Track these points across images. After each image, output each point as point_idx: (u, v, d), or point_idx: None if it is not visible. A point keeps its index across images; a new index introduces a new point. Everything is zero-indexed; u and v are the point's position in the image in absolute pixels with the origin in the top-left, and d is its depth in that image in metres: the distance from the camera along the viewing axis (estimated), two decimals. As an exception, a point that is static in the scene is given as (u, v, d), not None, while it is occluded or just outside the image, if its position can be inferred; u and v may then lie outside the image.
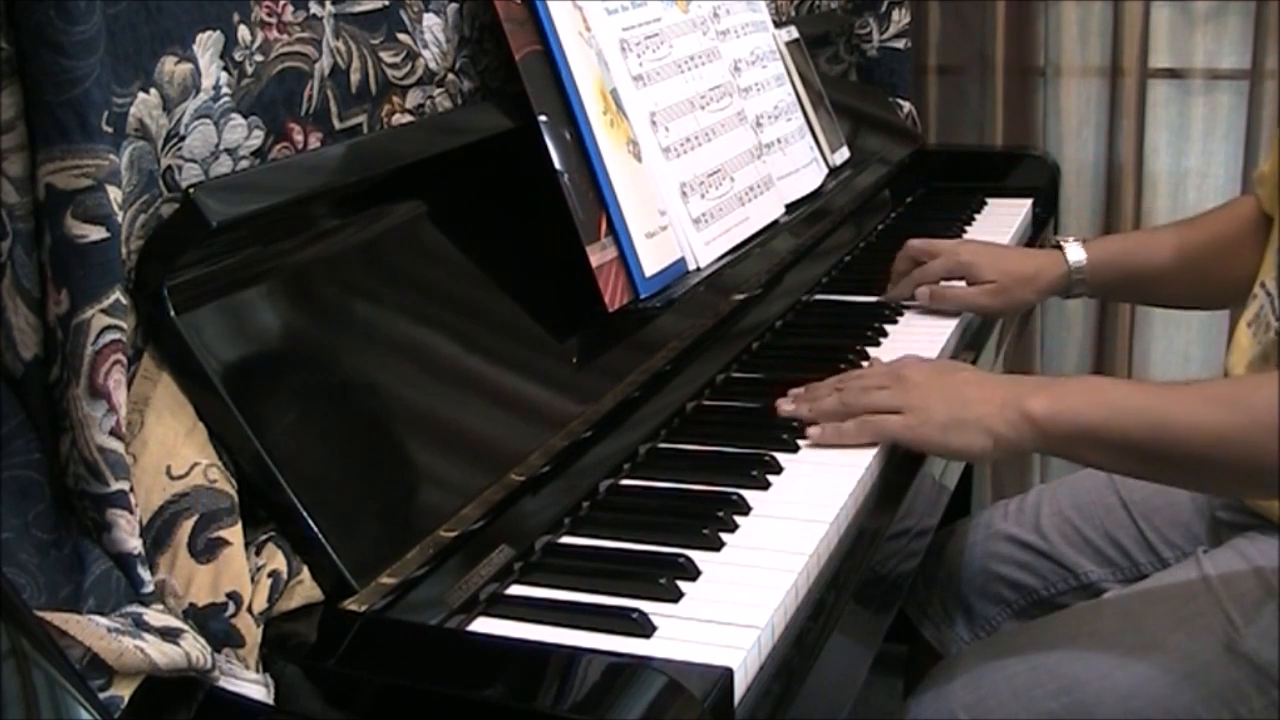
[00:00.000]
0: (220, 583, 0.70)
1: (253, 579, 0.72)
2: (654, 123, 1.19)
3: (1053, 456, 1.05)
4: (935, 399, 1.04)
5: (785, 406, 1.09)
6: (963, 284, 1.40)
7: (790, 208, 1.43)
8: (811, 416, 1.08)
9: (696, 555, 0.86)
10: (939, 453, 1.07)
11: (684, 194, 1.21)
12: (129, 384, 0.72)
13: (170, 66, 0.78)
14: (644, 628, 0.77)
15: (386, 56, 0.99)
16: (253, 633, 0.71)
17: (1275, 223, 1.23)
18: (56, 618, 0.62)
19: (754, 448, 1.02)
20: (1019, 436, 1.02)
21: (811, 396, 1.09)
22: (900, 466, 1.05)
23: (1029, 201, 1.85)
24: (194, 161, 0.80)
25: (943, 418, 1.03)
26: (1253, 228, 1.32)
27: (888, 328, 1.33)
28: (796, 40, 1.63)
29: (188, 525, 0.71)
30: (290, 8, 0.89)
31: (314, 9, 0.91)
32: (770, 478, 0.98)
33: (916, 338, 1.31)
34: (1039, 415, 1.01)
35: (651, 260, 1.11)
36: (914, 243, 1.45)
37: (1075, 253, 1.43)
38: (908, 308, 1.40)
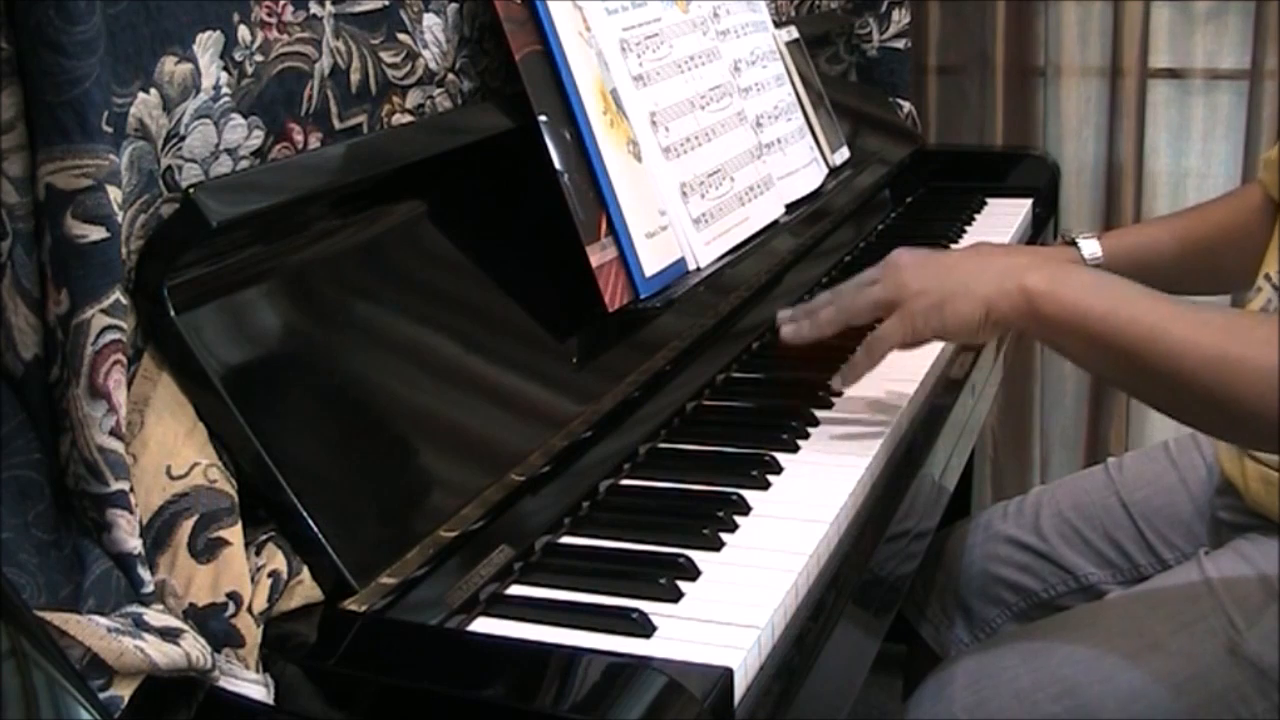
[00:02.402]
0: (220, 583, 0.70)
1: (253, 579, 0.72)
2: (654, 123, 1.19)
3: (1040, 340, 1.02)
4: (929, 278, 1.02)
5: (786, 330, 1.09)
6: None
7: (790, 208, 1.43)
8: (814, 334, 1.07)
9: (696, 555, 0.86)
10: (940, 335, 1.05)
11: (684, 194, 1.21)
12: (129, 384, 0.72)
13: (170, 66, 0.78)
14: (644, 628, 0.77)
15: (386, 56, 0.99)
16: (253, 633, 0.71)
17: None
18: (56, 618, 0.62)
19: (754, 448, 1.02)
20: (1012, 308, 0.99)
21: (809, 311, 1.08)
22: (900, 467, 1.05)
23: (1029, 201, 1.85)
24: (194, 161, 0.80)
25: (937, 295, 1.01)
26: (1260, 214, 1.32)
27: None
28: (796, 40, 1.63)
29: (188, 525, 0.71)
30: (290, 8, 0.89)
31: (314, 9, 0.91)
32: (770, 478, 0.98)
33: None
34: (1036, 290, 0.98)
35: (651, 260, 1.11)
36: None
37: (1091, 248, 1.42)
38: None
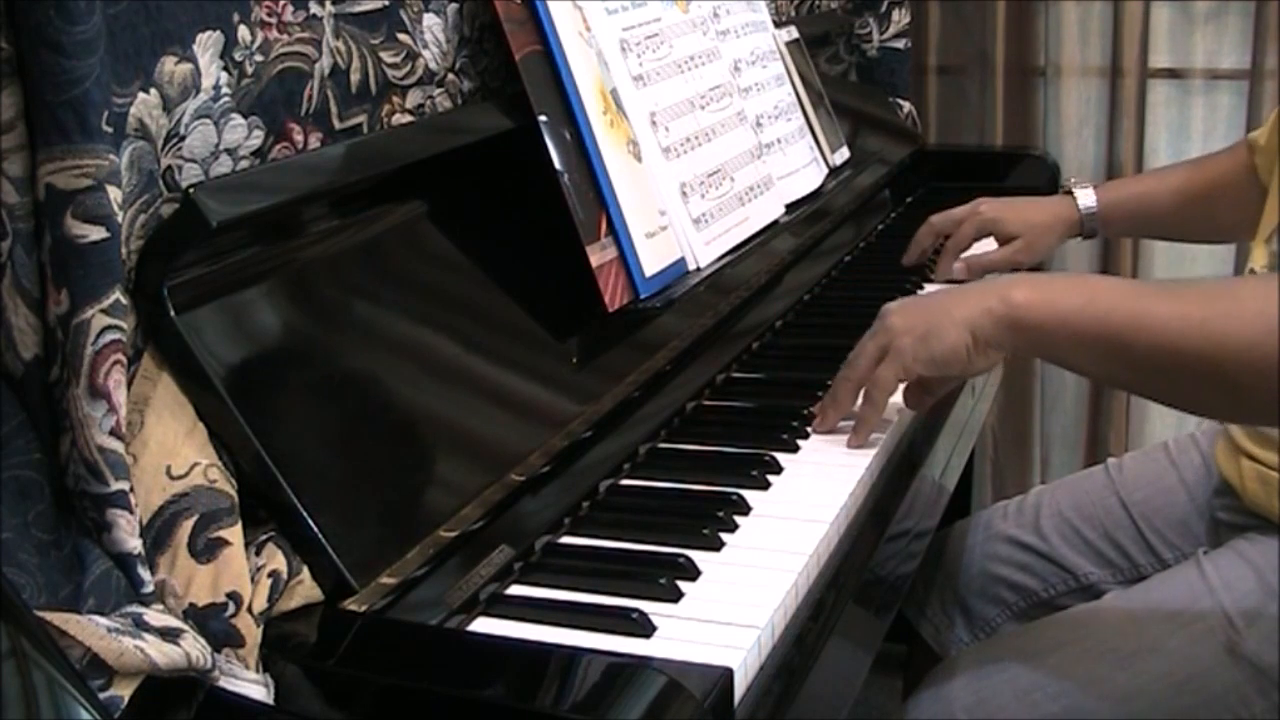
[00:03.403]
0: (220, 583, 0.70)
1: (253, 579, 0.72)
2: (654, 123, 1.19)
3: (1031, 353, 1.02)
4: (913, 318, 1.03)
5: (816, 424, 1.08)
6: (991, 244, 1.49)
7: (790, 208, 1.43)
8: (838, 412, 1.07)
9: (696, 555, 0.86)
10: (927, 366, 1.03)
11: (684, 194, 1.21)
12: (129, 384, 0.72)
13: (170, 66, 0.78)
14: (644, 628, 0.77)
15: (386, 56, 0.99)
16: (253, 633, 0.71)
17: (1266, 202, 1.23)
18: (56, 618, 0.62)
19: (754, 448, 1.02)
20: (995, 324, 0.99)
21: (830, 395, 1.08)
22: (900, 467, 1.05)
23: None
24: (194, 161, 0.80)
25: (921, 329, 1.02)
26: (1249, 173, 1.36)
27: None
28: (796, 40, 1.63)
29: (188, 525, 0.71)
30: (290, 8, 0.89)
31: (314, 9, 0.91)
32: (770, 478, 0.98)
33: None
34: (1016, 301, 0.98)
35: (651, 260, 1.11)
36: (936, 218, 1.50)
37: (1086, 198, 1.50)
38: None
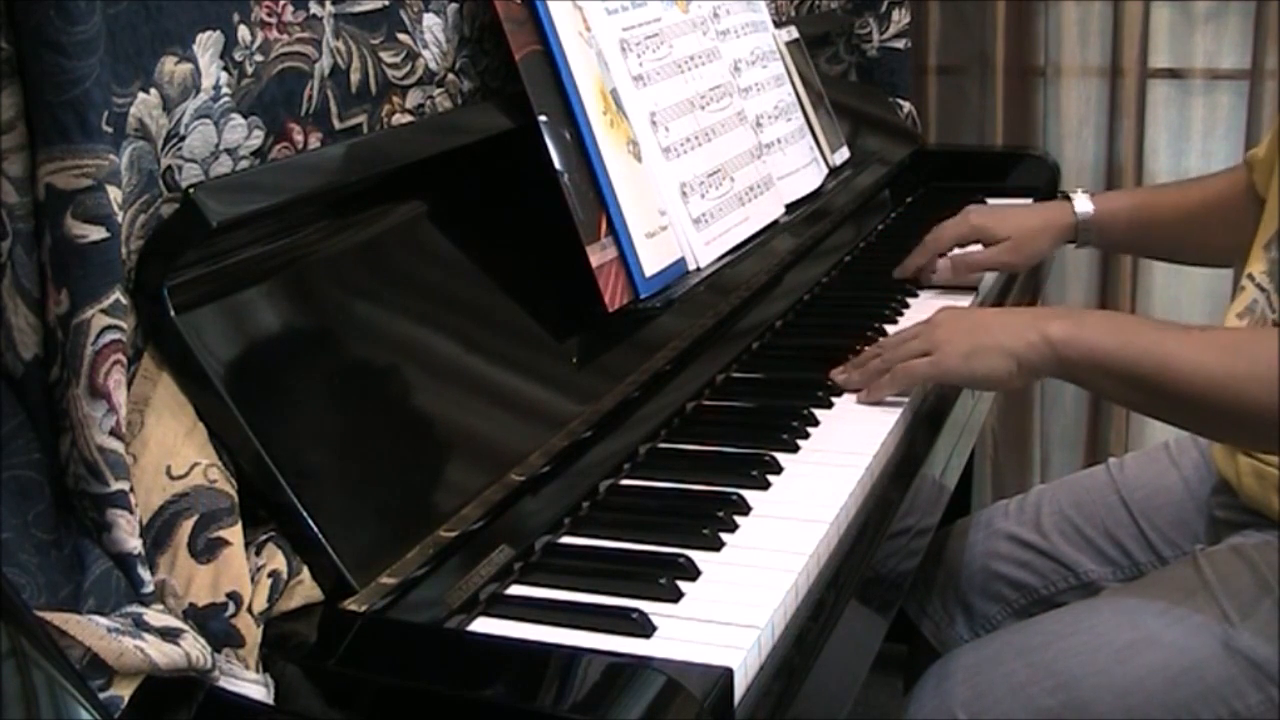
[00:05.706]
0: (220, 583, 0.70)
1: (253, 579, 0.72)
2: (654, 123, 1.19)
3: (1068, 380, 1.11)
4: (959, 332, 1.11)
5: (839, 376, 1.16)
6: (979, 247, 1.48)
7: (790, 208, 1.43)
8: (861, 382, 1.14)
9: (696, 555, 0.86)
10: (966, 382, 1.14)
11: (684, 194, 1.21)
12: (129, 384, 0.72)
13: (170, 66, 0.78)
14: (644, 628, 0.77)
15: (386, 56, 0.99)
16: (253, 633, 0.71)
17: (1265, 208, 1.23)
18: (56, 618, 0.62)
19: (754, 448, 1.02)
20: (1039, 358, 1.07)
21: (859, 363, 1.16)
22: (900, 466, 1.05)
23: (1029, 201, 1.85)
24: (194, 161, 0.80)
25: (966, 347, 1.09)
26: (1247, 195, 1.36)
27: (888, 327, 1.33)
28: (796, 40, 1.63)
29: (188, 525, 0.71)
30: (290, 8, 0.89)
31: (314, 9, 0.91)
32: (770, 478, 0.98)
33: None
34: (1057, 338, 1.06)
35: (651, 260, 1.11)
36: (929, 237, 1.50)
37: (1083, 204, 1.51)
38: (907, 306, 1.41)
